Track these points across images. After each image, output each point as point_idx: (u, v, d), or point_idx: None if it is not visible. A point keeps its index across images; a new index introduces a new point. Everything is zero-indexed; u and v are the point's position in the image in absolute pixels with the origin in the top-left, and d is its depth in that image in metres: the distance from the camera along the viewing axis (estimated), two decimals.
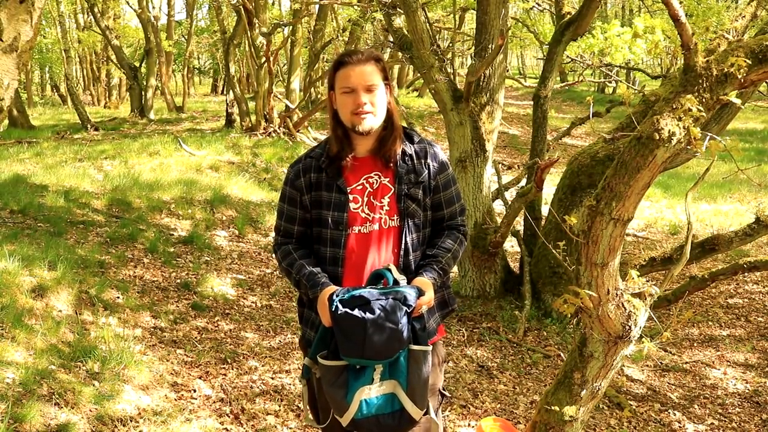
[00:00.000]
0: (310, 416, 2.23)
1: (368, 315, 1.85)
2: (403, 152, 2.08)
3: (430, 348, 2.00)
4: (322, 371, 1.97)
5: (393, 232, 2.07)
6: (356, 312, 1.86)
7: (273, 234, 2.24)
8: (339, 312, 1.88)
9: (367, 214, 2.06)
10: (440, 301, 2.16)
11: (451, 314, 2.29)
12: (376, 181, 2.07)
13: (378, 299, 1.88)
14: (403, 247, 2.06)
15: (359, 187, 2.07)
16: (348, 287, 1.96)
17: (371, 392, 1.95)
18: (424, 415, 2.01)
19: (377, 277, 2.01)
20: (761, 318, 5.28)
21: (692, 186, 2.11)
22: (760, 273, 5.95)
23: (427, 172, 2.10)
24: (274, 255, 2.20)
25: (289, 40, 15.46)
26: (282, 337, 4.61)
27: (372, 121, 2.01)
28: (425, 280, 2.01)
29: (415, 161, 2.09)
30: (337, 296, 1.91)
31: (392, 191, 2.07)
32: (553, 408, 2.31)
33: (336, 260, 2.06)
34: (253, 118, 13.04)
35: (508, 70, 6.79)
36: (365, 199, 2.06)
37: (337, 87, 2.03)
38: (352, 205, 2.05)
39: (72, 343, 3.73)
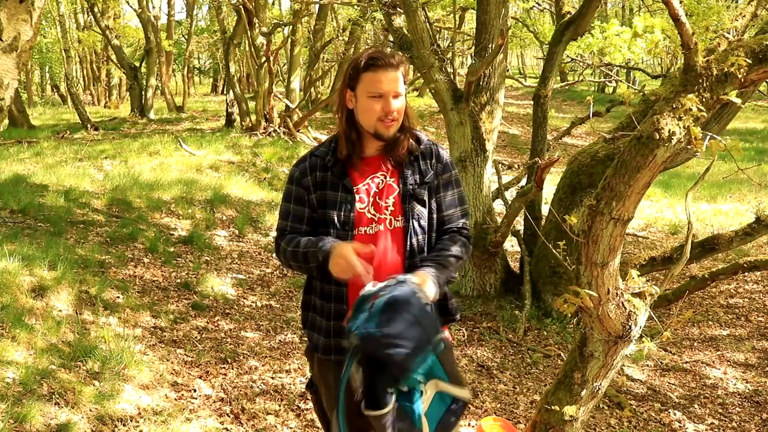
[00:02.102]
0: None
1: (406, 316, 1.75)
2: (410, 152, 2.07)
3: (445, 332, 1.95)
4: (374, 422, 1.82)
5: (398, 233, 2.04)
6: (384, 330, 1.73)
7: (275, 236, 2.18)
8: (364, 338, 1.74)
9: (373, 215, 2.03)
10: (441, 308, 2.14)
11: (453, 322, 2.24)
12: (382, 181, 2.05)
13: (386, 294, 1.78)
14: (408, 248, 2.03)
15: (365, 187, 2.04)
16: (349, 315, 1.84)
17: (424, 405, 1.86)
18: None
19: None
20: (761, 318, 5.28)
21: (692, 185, 2.11)
22: (760, 273, 5.95)
23: (432, 173, 2.08)
24: (275, 255, 2.14)
25: (289, 40, 15.46)
26: (282, 336, 4.61)
27: (396, 128, 2.00)
28: (421, 273, 1.93)
29: (421, 162, 2.08)
30: (349, 329, 1.78)
31: (397, 191, 2.05)
32: (553, 408, 2.31)
33: None
34: (253, 117, 13.04)
35: (508, 70, 6.80)
36: (371, 199, 2.04)
37: (362, 89, 1.97)
38: (358, 205, 2.02)
39: (72, 342, 3.73)
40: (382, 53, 1.99)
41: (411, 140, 2.06)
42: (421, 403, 1.86)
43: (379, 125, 1.98)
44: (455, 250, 2.05)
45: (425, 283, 1.89)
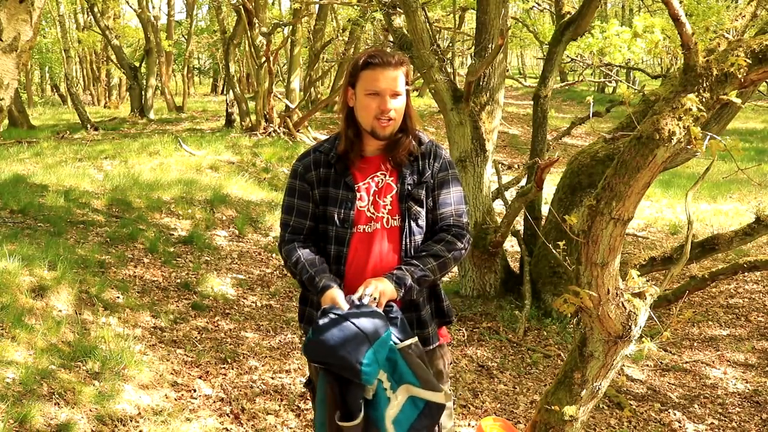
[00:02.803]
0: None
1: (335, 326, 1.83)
2: (410, 153, 2.07)
3: (415, 339, 1.95)
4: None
5: (395, 232, 2.05)
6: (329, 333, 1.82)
7: (278, 231, 2.20)
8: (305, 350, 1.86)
9: (372, 213, 2.04)
10: (436, 309, 2.15)
11: (449, 324, 2.24)
12: (381, 179, 2.06)
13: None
14: (403, 248, 2.04)
15: (365, 186, 2.05)
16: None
17: (394, 411, 1.89)
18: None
19: None
20: (761, 318, 5.28)
21: (692, 185, 2.11)
22: (760, 273, 5.95)
23: (430, 172, 2.08)
24: (280, 253, 2.16)
25: (289, 40, 15.46)
26: (282, 336, 4.61)
27: (393, 128, 2.00)
28: (381, 278, 1.95)
29: (420, 162, 2.08)
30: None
31: (395, 190, 2.05)
32: (553, 408, 2.31)
33: (340, 259, 2.04)
34: (253, 117, 13.04)
35: (508, 70, 6.80)
36: (371, 197, 2.05)
37: (360, 87, 1.98)
38: (358, 204, 2.03)
39: (72, 342, 3.73)
40: (383, 52, 2.00)
41: (413, 141, 2.07)
42: (387, 409, 1.88)
43: (376, 124, 1.98)
44: (436, 248, 2.03)
45: (383, 284, 1.91)
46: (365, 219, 2.04)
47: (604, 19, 14.63)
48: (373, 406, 1.88)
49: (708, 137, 1.87)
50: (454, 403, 3.73)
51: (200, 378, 3.83)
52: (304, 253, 2.04)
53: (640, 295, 2.16)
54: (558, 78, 14.22)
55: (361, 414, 1.85)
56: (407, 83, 2.02)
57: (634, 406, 3.88)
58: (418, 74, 5.62)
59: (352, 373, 1.79)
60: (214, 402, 3.59)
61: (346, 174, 2.04)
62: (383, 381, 1.89)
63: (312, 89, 16.31)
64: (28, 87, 25.55)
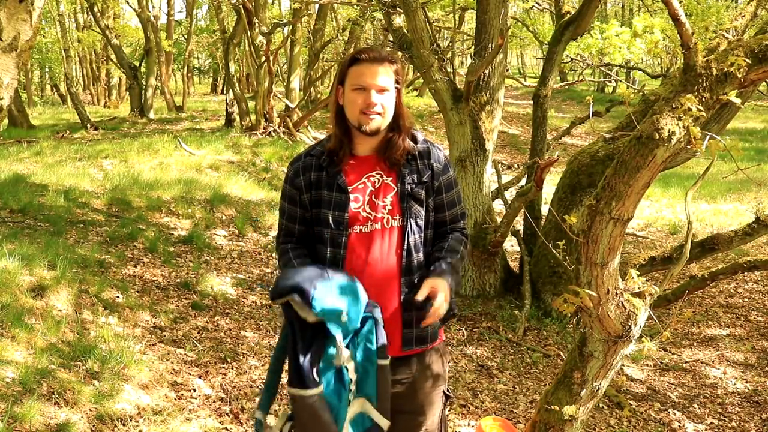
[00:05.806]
0: None
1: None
2: (407, 152, 2.08)
3: (388, 360, 1.94)
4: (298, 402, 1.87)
5: (395, 231, 2.05)
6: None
7: (275, 232, 2.23)
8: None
9: (369, 213, 2.04)
10: None
11: (452, 318, 2.25)
12: (378, 180, 2.06)
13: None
14: (405, 247, 2.04)
15: (360, 186, 2.05)
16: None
17: (349, 415, 1.88)
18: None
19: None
20: (761, 317, 5.28)
21: (692, 185, 2.11)
22: (759, 273, 5.95)
23: (429, 172, 2.08)
24: (276, 251, 2.20)
25: (289, 40, 15.47)
26: None
27: (379, 122, 2.00)
28: (439, 280, 1.94)
29: (419, 161, 2.08)
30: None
31: (395, 190, 2.05)
32: (553, 407, 2.31)
33: (336, 261, 2.02)
34: (253, 117, 13.04)
35: (507, 70, 6.80)
36: (366, 198, 2.04)
37: (348, 83, 2.00)
38: (352, 205, 2.02)
39: (72, 342, 3.73)
40: (370, 49, 2.03)
41: (408, 140, 2.07)
42: (348, 407, 1.86)
43: (362, 118, 1.99)
44: (462, 250, 2.10)
45: (438, 296, 1.92)
46: (362, 220, 2.03)
47: (604, 20, 14.63)
48: (336, 390, 1.84)
49: (708, 137, 1.87)
50: (453, 403, 3.74)
51: (200, 377, 3.83)
52: (295, 254, 2.08)
53: (639, 294, 2.16)
54: (558, 78, 14.23)
55: (319, 389, 1.80)
56: (398, 82, 2.03)
57: (633, 406, 3.88)
58: (418, 74, 5.62)
59: (302, 296, 1.75)
60: (214, 401, 3.59)
61: (338, 176, 2.04)
62: (349, 370, 1.87)
63: (312, 89, 16.31)
64: (27, 87, 25.56)
